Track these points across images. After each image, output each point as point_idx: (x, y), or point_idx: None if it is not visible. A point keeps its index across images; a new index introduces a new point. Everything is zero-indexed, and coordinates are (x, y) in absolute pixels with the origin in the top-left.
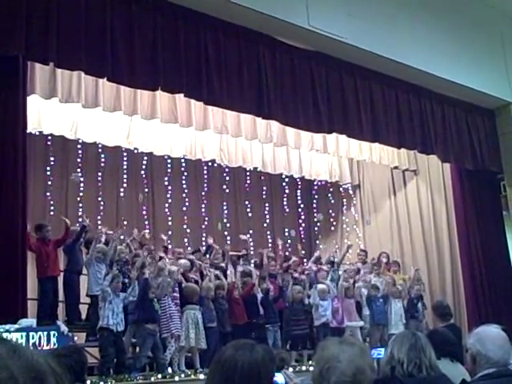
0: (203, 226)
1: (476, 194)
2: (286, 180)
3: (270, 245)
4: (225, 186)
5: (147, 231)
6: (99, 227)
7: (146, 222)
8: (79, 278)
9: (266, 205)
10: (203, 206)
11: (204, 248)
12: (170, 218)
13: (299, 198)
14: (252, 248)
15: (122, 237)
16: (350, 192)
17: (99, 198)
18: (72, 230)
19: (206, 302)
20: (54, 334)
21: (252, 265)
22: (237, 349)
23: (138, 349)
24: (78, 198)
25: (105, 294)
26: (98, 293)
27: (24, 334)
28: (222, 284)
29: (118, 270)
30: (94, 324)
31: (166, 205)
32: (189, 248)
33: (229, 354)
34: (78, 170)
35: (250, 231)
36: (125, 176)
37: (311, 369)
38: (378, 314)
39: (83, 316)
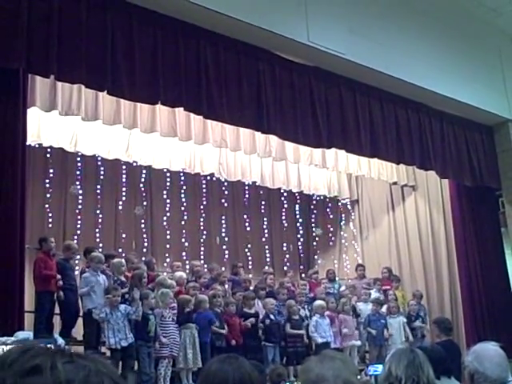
0: (201, 240)
1: (474, 210)
2: (285, 194)
3: (268, 259)
4: (223, 200)
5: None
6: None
7: (145, 236)
8: (75, 294)
9: (265, 219)
10: (202, 219)
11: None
12: (168, 232)
13: (298, 212)
14: (250, 263)
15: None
16: (349, 207)
17: (98, 211)
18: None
19: (202, 319)
20: None
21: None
22: (222, 361)
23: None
24: (77, 211)
25: (101, 318)
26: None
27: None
28: (216, 293)
29: (116, 283)
30: (88, 339)
31: (165, 218)
32: (187, 262)
33: (216, 367)
34: (77, 182)
35: (249, 245)
36: (124, 189)
37: None
38: (378, 335)
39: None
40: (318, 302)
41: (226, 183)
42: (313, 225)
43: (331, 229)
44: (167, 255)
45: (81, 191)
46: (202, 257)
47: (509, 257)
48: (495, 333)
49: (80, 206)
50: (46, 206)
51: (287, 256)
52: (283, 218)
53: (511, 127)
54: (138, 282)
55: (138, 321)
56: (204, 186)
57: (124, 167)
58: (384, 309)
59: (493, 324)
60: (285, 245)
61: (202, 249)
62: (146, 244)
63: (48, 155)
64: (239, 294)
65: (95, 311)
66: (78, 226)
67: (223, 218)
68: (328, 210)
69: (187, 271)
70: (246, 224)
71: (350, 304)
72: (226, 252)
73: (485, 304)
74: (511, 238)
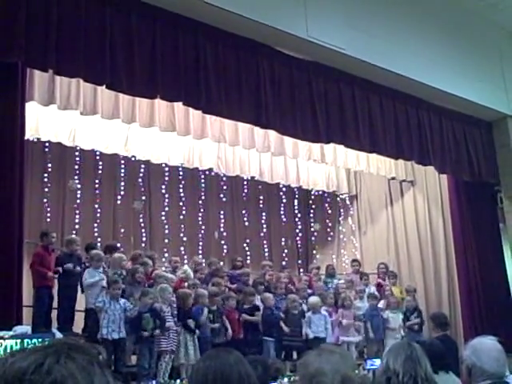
0: (200, 235)
1: (473, 206)
2: (284, 189)
3: (266, 254)
4: (222, 195)
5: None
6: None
7: (143, 230)
8: (76, 288)
9: (263, 214)
10: (200, 214)
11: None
12: (166, 227)
13: (296, 207)
14: (249, 257)
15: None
16: (347, 202)
17: (96, 206)
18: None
19: (200, 312)
20: (48, 341)
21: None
22: (204, 359)
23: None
24: (75, 205)
25: (98, 308)
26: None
27: (19, 341)
28: (217, 292)
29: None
30: (90, 334)
31: (163, 213)
32: (185, 256)
33: (198, 366)
34: (76, 177)
35: (247, 240)
36: (122, 184)
37: None
38: (377, 330)
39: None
40: (313, 299)
41: (224, 178)
42: (311, 220)
43: (330, 224)
44: (165, 250)
45: (79, 186)
46: (200, 251)
47: (507, 252)
48: (493, 327)
49: (78, 201)
50: (45, 200)
51: (285, 251)
52: (282, 213)
53: (510, 123)
54: (131, 277)
55: (132, 318)
56: (203, 180)
57: (122, 162)
58: (381, 304)
59: (491, 318)
60: (283, 240)
61: (201, 244)
62: (144, 239)
63: (46, 150)
64: (237, 287)
65: (91, 300)
66: (77, 220)
67: (222, 212)
68: (326, 205)
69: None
70: (245, 219)
71: (349, 299)
72: (225, 247)
73: (483, 299)
74: (509, 234)
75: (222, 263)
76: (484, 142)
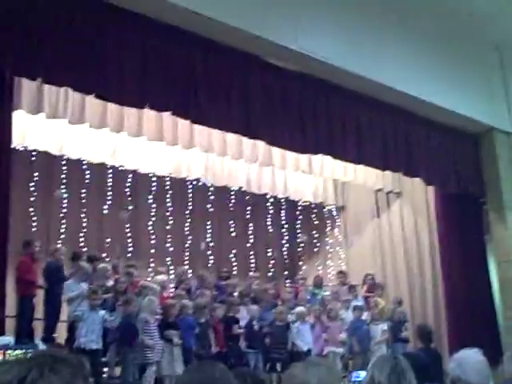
0: (186, 245)
1: (459, 218)
2: (271, 200)
3: (253, 265)
4: (209, 206)
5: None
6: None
7: (129, 240)
8: (60, 298)
9: (250, 225)
10: (187, 224)
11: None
12: (153, 237)
13: (283, 218)
14: (235, 268)
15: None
16: (334, 213)
17: (82, 215)
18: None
19: (184, 324)
20: (31, 352)
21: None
22: (188, 372)
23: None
24: (62, 215)
25: (77, 317)
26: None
27: (1, 351)
28: (200, 304)
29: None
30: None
31: (150, 223)
32: (171, 267)
33: (183, 378)
34: (62, 186)
35: (234, 251)
36: (109, 193)
37: None
38: (362, 341)
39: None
40: (299, 309)
41: (211, 188)
42: (298, 231)
43: (316, 235)
44: (151, 260)
45: (66, 195)
46: (186, 262)
47: (492, 264)
48: (478, 339)
49: (64, 210)
50: (31, 209)
51: (272, 262)
52: (268, 223)
53: (496, 135)
54: (114, 289)
55: (119, 327)
56: (190, 191)
57: (110, 171)
58: (365, 316)
59: (475, 330)
60: (270, 251)
61: (187, 254)
62: (130, 249)
63: (33, 158)
64: (222, 299)
65: (71, 308)
66: (63, 230)
67: (208, 223)
68: (313, 216)
69: (171, 276)
70: (232, 229)
71: (335, 311)
72: (211, 257)
73: (467, 310)
74: (494, 245)
75: (209, 273)
76: (470, 154)
